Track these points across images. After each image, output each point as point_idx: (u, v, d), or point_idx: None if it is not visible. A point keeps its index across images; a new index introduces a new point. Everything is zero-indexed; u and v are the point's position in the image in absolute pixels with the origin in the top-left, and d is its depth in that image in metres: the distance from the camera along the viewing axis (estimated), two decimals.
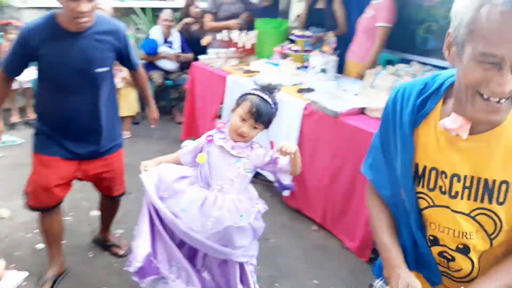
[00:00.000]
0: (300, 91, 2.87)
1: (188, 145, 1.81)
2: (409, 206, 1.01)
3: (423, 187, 0.99)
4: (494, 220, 0.92)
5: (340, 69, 3.65)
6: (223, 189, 1.70)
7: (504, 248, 0.95)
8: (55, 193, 2.05)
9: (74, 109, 1.95)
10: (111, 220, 2.49)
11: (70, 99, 1.92)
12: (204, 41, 4.24)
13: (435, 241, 1.01)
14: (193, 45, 4.58)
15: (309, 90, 2.88)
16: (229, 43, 3.80)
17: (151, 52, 4.51)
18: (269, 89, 1.76)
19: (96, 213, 2.88)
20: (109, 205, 2.41)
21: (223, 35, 3.76)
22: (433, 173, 0.96)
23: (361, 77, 3.39)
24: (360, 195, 2.43)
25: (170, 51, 4.57)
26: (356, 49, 3.43)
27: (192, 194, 1.71)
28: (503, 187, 0.89)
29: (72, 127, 1.98)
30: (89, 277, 2.30)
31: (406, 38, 3.26)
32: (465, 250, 0.97)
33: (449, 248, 0.99)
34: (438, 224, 0.99)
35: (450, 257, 1.00)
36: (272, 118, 1.72)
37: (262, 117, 1.65)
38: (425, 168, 0.98)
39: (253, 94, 1.70)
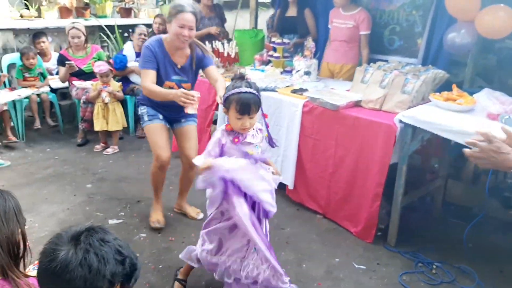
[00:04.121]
0: (294, 91, 3.18)
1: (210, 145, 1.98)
2: None
3: None
4: None
5: None
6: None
7: None
8: None
9: None
10: None
11: None
12: None
13: None
14: None
15: (302, 90, 3.20)
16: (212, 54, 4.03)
17: (119, 67, 4.58)
18: (242, 77, 1.95)
19: (114, 221, 2.97)
20: None
21: (207, 46, 3.97)
22: None
23: (341, 76, 3.80)
24: (362, 181, 2.74)
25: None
26: (335, 54, 3.82)
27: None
28: None
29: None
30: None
31: (375, 40, 3.71)
32: None
33: None
34: None
35: None
36: (259, 101, 1.90)
37: (251, 108, 1.86)
38: None
39: (234, 94, 1.88)
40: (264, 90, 3.25)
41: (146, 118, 2.76)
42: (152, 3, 6.31)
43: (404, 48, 3.70)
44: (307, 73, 3.58)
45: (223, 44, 3.96)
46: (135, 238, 2.79)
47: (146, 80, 2.53)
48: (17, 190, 3.40)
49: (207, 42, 3.97)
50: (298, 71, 3.62)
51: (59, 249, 0.97)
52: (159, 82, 2.58)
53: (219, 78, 2.64)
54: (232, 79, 1.96)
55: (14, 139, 4.33)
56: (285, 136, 3.13)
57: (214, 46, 3.96)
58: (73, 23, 4.49)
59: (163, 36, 2.63)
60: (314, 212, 3.13)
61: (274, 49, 3.98)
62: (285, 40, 3.94)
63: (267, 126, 2.02)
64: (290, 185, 3.19)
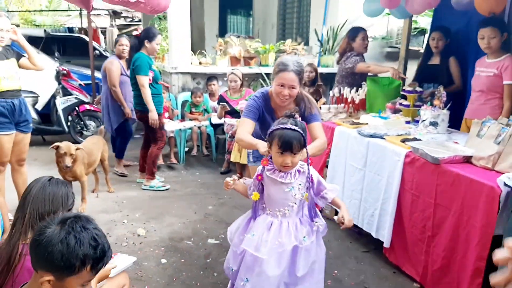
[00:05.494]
0: (404, 140, 2.94)
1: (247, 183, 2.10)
2: None
3: None
4: None
5: (457, 125, 3.60)
6: (286, 214, 1.93)
7: None
8: None
9: None
10: None
11: None
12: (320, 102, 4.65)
13: None
14: None
15: (415, 139, 2.93)
16: (339, 99, 4.08)
17: None
18: (291, 116, 1.93)
19: (213, 241, 3.28)
20: None
21: (334, 92, 4.07)
22: None
23: None
24: (463, 250, 2.31)
25: None
26: (471, 107, 3.35)
27: (259, 222, 1.99)
28: None
29: None
30: None
31: None
32: None
33: None
34: None
35: None
36: (302, 140, 1.87)
37: (293, 146, 1.83)
38: None
39: (278, 129, 1.89)
40: (372, 136, 3.12)
41: (251, 159, 2.81)
42: (312, 54, 6.76)
43: None
44: (433, 123, 3.24)
45: (350, 90, 3.97)
46: (221, 259, 3.00)
47: (242, 128, 2.43)
48: (156, 200, 4.14)
49: (336, 90, 4.06)
50: (423, 121, 3.32)
51: (49, 227, 1.23)
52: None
53: (319, 137, 2.43)
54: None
55: (175, 161, 5.27)
56: (384, 187, 2.90)
57: (342, 91, 4.01)
58: (233, 69, 5.26)
59: (270, 89, 2.52)
60: (412, 279, 2.75)
61: (405, 97, 3.76)
62: (418, 89, 3.68)
63: (309, 171, 1.97)
64: (386, 243, 2.90)
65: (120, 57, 4.81)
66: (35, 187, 1.62)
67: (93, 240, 1.23)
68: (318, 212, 2.09)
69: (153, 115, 4.17)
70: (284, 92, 2.35)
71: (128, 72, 4.82)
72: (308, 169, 1.92)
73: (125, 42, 4.81)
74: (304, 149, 1.92)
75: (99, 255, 1.24)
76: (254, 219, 2.02)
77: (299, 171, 1.93)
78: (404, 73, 4.83)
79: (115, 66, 4.70)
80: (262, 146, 2.12)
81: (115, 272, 1.90)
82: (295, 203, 1.92)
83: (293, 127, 1.88)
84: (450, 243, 2.39)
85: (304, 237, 1.93)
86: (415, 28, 6.56)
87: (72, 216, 1.27)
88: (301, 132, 1.89)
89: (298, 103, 2.50)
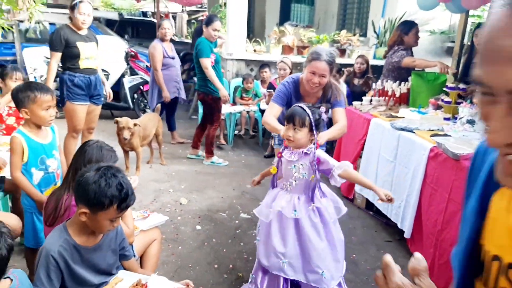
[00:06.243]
0: (434, 135, 2.99)
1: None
2: None
3: (481, 282, 0.71)
4: None
5: None
6: (288, 189, 2.17)
7: None
8: None
9: None
10: None
11: None
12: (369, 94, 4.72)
13: None
14: (355, 95, 5.06)
15: (445, 135, 2.97)
16: (381, 92, 4.14)
17: None
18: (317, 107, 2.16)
19: (245, 215, 3.59)
20: None
21: (377, 85, 4.13)
22: (495, 265, 0.67)
23: None
24: None
25: None
26: None
27: (271, 192, 2.27)
28: None
29: None
30: (223, 256, 2.95)
31: None
32: None
33: None
34: None
35: None
36: (305, 118, 2.04)
37: (295, 118, 2.03)
38: (486, 254, 0.69)
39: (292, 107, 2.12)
40: (403, 129, 3.20)
41: (276, 141, 3.06)
42: (368, 46, 6.73)
43: None
44: (470, 121, 3.23)
45: (393, 84, 4.01)
46: (250, 232, 3.31)
47: (268, 112, 2.63)
48: (201, 175, 4.53)
49: (379, 83, 4.12)
50: (461, 118, 3.32)
51: (88, 171, 1.58)
52: None
53: (339, 121, 2.63)
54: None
55: (224, 142, 5.64)
56: (410, 180, 2.99)
57: (383, 85, 4.07)
58: (283, 57, 5.46)
59: (301, 76, 2.66)
60: None
61: (447, 94, 3.74)
62: (461, 86, 3.65)
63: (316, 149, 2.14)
64: (406, 233, 3.01)
65: (163, 40, 5.12)
66: (78, 149, 1.99)
67: (119, 185, 1.55)
68: (333, 195, 2.25)
69: (223, 92, 4.50)
70: (314, 79, 2.51)
71: (172, 54, 5.19)
72: (314, 152, 2.11)
73: (167, 26, 5.14)
74: (309, 131, 2.09)
75: (123, 197, 1.55)
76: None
77: (305, 153, 2.11)
78: (458, 67, 4.72)
79: (157, 51, 5.04)
80: (283, 130, 2.29)
81: (149, 226, 2.26)
82: (295, 181, 2.12)
83: (304, 107, 2.08)
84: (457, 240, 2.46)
85: (295, 210, 2.11)
86: (480, 23, 6.26)
87: (105, 165, 1.60)
88: (309, 113, 2.06)
89: (326, 90, 2.67)
